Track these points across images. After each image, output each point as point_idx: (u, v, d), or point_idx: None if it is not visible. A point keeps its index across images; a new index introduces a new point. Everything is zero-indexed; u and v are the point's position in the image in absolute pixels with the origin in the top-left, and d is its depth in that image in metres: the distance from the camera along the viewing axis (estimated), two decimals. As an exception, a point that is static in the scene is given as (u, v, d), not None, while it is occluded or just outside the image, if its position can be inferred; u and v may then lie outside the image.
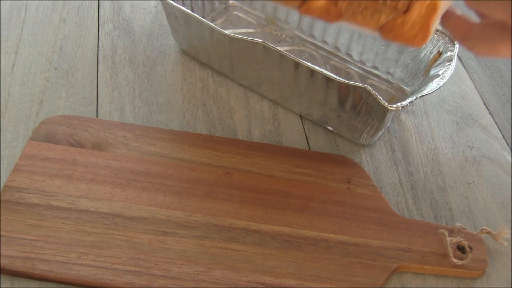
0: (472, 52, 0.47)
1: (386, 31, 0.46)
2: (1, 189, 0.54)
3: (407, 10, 0.45)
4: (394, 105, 0.56)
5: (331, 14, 0.46)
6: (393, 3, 0.45)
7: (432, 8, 0.44)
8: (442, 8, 0.45)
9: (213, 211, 0.54)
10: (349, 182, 0.58)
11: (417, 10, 0.44)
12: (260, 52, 0.62)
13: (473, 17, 0.47)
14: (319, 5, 0.46)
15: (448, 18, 0.47)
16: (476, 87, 0.71)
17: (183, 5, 0.67)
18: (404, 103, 0.57)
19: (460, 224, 0.55)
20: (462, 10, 0.49)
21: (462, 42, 0.47)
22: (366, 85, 0.57)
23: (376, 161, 0.62)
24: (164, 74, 0.69)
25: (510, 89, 0.71)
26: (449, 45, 0.63)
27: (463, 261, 0.52)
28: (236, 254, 0.51)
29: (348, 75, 0.69)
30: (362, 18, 0.46)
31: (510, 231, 0.55)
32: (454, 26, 0.47)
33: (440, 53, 0.64)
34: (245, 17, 0.75)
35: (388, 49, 0.68)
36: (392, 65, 0.68)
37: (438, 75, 0.60)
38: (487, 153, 0.64)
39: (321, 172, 0.58)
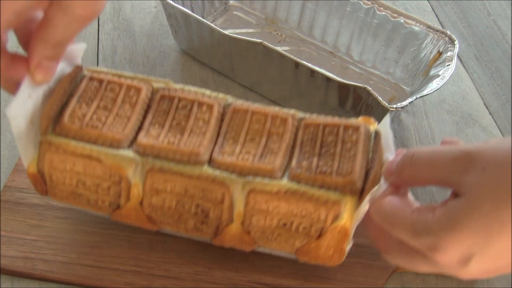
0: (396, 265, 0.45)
1: (302, 254, 0.47)
2: (1, 189, 0.54)
3: (319, 236, 0.45)
4: (394, 106, 0.56)
5: (245, 242, 0.47)
6: (305, 231, 0.45)
7: (344, 234, 0.45)
8: (355, 226, 0.45)
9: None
10: (349, 182, 0.58)
11: (329, 235, 0.45)
12: (260, 52, 0.62)
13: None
14: (233, 235, 0.47)
15: (368, 224, 0.46)
16: (476, 87, 0.71)
17: (183, 5, 0.67)
18: (404, 103, 0.57)
19: (460, 224, 0.55)
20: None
21: (384, 255, 0.46)
22: (366, 86, 0.57)
23: (376, 161, 0.62)
24: (164, 74, 0.69)
25: (510, 89, 0.71)
26: (449, 45, 0.63)
27: (463, 261, 0.52)
28: (236, 254, 0.51)
29: (348, 75, 0.69)
30: (276, 244, 0.47)
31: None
32: (373, 236, 0.46)
33: (440, 53, 0.64)
34: (245, 17, 0.75)
35: (388, 49, 0.68)
36: (392, 65, 0.68)
37: (438, 75, 0.60)
38: (487, 153, 0.64)
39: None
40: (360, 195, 0.44)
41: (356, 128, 0.47)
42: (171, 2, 0.65)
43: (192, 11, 0.69)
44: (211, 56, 0.68)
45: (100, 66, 0.69)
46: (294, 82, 0.62)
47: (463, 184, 0.40)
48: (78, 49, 0.49)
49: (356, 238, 0.53)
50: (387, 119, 0.48)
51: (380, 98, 0.56)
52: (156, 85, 0.50)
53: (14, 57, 0.45)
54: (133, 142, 0.46)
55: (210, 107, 0.49)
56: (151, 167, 0.45)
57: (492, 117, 0.68)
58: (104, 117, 0.47)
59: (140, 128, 0.47)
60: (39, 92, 0.46)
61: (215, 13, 0.75)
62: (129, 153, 0.45)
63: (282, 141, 0.47)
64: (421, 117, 0.67)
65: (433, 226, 0.40)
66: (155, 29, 0.74)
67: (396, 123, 0.66)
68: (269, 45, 0.61)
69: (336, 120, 0.48)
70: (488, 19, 0.81)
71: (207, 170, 0.45)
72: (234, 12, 0.76)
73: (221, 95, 0.50)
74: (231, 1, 0.76)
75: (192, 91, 0.50)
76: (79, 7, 0.42)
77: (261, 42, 0.61)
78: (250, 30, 0.74)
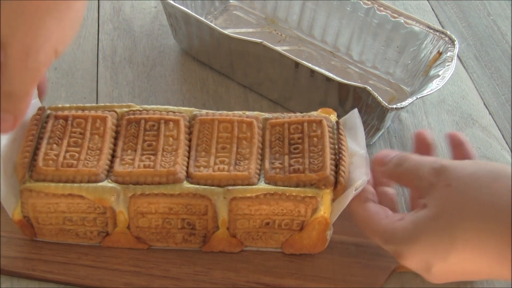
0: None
1: (287, 246, 0.51)
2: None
3: (301, 228, 0.49)
4: (394, 106, 0.56)
5: (233, 245, 0.50)
6: (288, 226, 0.49)
7: (324, 223, 0.48)
8: (337, 214, 0.48)
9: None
10: (349, 182, 0.58)
11: (310, 227, 0.49)
12: (260, 52, 0.62)
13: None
14: (220, 240, 0.50)
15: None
16: (476, 87, 0.71)
17: (183, 5, 0.67)
18: (404, 103, 0.57)
19: (460, 225, 0.55)
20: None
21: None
22: (366, 86, 0.57)
23: (376, 161, 0.62)
24: (164, 74, 0.69)
25: (510, 89, 0.71)
26: (449, 45, 0.63)
27: (463, 262, 0.52)
28: (236, 254, 0.51)
29: (348, 75, 0.69)
30: (262, 242, 0.50)
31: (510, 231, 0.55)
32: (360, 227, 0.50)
33: (440, 53, 0.64)
34: (245, 17, 0.75)
35: (388, 49, 0.68)
36: (392, 65, 0.68)
37: (438, 75, 0.60)
38: (487, 153, 0.64)
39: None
40: (334, 186, 0.48)
41: (319, 122, 0.50)
42: (171, 1, 0.65)
43: (192, 11, 0.69)
44: (211, 56, 0.68)
45: (100, 66, 0.69)
46: (294, 82, 0.62)
47: (430, 196, 0.44)
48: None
49: (356, 238, 0.53)
50: (355, 113, 0.52)
51: (380, 98, 0.56)
52: (120, 110, 0.52)
53: None
54: (109, 171, 0.48)
55: (177, 122, 0.51)
56: (133, 193, 0.47)
57: (492, 117, 0.68)
58: (76, 153, 0.49)
59: (113, 156, 0.49)
60: (2, 142, 0.48)
61: (215, 12, 0.75)
62: (108, 184, 0.47)
63: (252, 145, 0.50)
64: (421, 117, 0.67)
65: (398, 235, 0.45)
66: (155, 29, 0.74)
67: (396, 123, 0.66)
68: (269, 45, 0.61)
69: (298, 116, 0.51)
70: (488, 19, 0.81)
71: (187, 186, 0.47)
72: (234, 12, 0.76)
73: (184, 108, 0.53)
74: (231, 1, 0.76)
75: (155, 109, 0.52)
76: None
77: (261, 42, 0.61)
78: (250, 30, 0.74)
